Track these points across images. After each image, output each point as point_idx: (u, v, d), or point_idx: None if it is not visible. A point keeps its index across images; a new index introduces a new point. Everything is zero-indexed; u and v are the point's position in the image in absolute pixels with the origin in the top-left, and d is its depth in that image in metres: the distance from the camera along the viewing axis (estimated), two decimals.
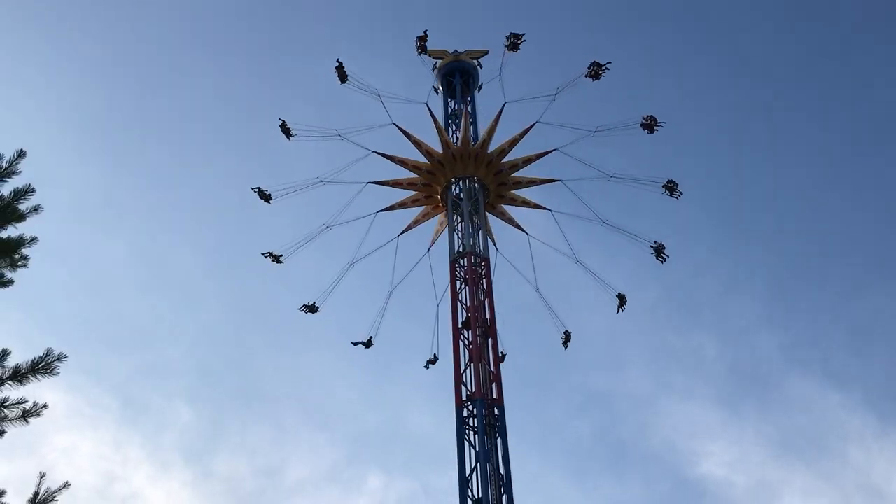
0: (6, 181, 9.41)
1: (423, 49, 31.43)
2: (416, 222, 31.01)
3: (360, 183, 30.47)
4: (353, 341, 30.07)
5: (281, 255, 30.43)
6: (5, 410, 10.34)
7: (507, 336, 29.26)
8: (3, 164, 9.28)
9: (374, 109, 30.71)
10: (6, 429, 10.67)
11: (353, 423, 61.27)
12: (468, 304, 27.04)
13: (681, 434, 60.76)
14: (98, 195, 66.07)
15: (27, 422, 10.64)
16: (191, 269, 66.32)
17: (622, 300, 30.03)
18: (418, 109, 30.73)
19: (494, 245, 30.30)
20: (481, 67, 33.64)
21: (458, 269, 28.15)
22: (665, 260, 29.81)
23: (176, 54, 69.26)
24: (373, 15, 69.23)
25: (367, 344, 30.13)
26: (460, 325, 26.65)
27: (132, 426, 59.85)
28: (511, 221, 30.87)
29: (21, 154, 9.33)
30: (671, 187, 29.61)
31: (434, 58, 33.63)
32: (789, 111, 69.73)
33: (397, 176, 30.73)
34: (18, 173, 9.36)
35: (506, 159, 30.08)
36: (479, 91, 33.32)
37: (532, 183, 30.70)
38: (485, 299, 27.40)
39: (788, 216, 67.62)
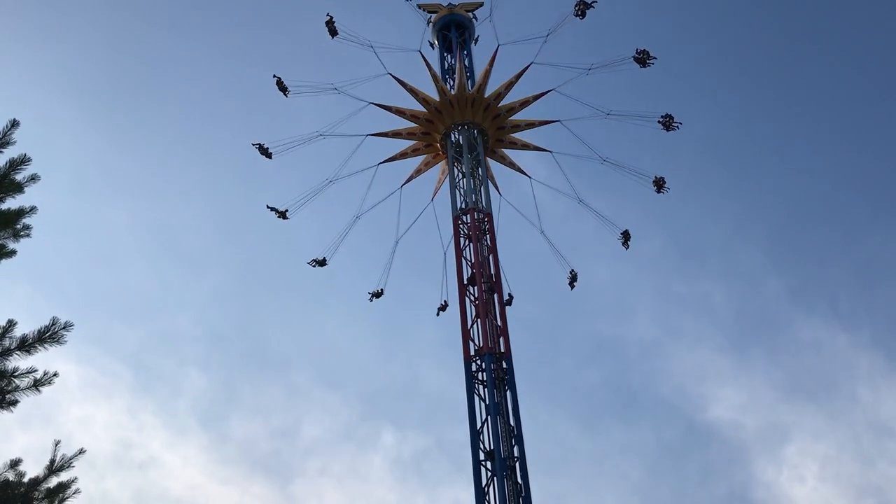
0: (1, 152, 9.36)
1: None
2: (418, 172, 31.08)
3: (360, 136, 30.50)
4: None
5: (287, 210, 30.33)
6: (16, 380, 10.41)
7: (514, 285, 29.69)
8: None
9: (367, 63, 30.55)
10: (19, 398, 10.77)
11: (366, 380, 61.98)
12: (473, 260, 27.07)
13: (690, 380, 61.34)
14: (98, 164, 65.99)
15: (39, 391, 10.73)
16: (195, 235, 66.54)
17: (626, 236, 30.19)
18: (412, 59, 30.65)
19: (498, 191, 30.59)
20: (476, 20, 33.18)
21: (461, 225, 28.13)
22: (666, 191, 29.85)
23: (171, 18, 68.58)
24: None
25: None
26: (466, 281, 26.75)
27: (146, 394, 60.54)
28: (512, 165, 30.97)
29: (14, 124, 9.26)
30: (667, 122, 29.49)
31: (428, 11, 33.18)
32: (791, 52, 68.86)
33: (396, 127, 30.68)
34: (13, 143, 9.30)
35: (503, 103, 30.04)
36: (475, 44, 32.93)
37: (530, 125, 30.66)
38: (489, 255, 27.42)
39: (791, 157, 67.22)
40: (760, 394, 60.13)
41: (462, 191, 28.86)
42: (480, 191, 28.87)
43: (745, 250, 65.96)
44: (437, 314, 30.11)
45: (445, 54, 32.78)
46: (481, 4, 33.33)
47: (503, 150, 30.78)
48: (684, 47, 67.66)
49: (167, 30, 68.48)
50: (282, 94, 29.81)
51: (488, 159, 30.42)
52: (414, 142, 30.66)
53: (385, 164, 30.81)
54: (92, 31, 67.58)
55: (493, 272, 27.03)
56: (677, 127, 29.48)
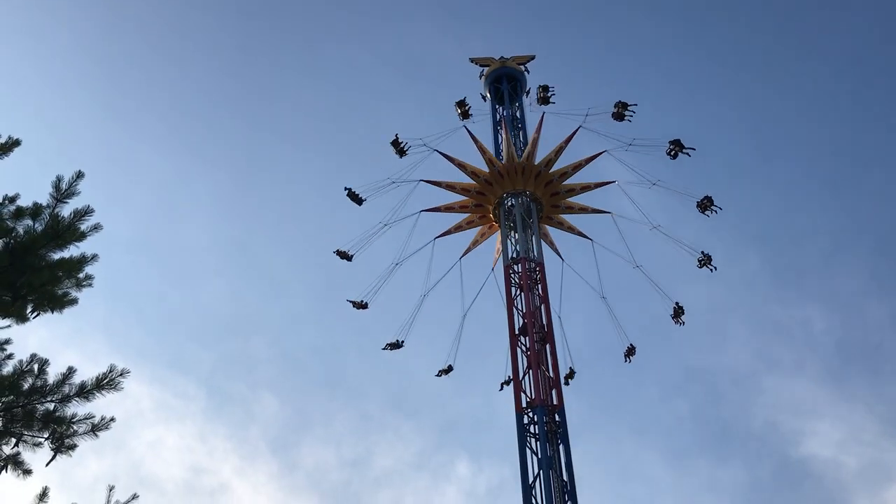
0: (66, 202, 9.73)
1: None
2: (476, 243, 30.80)
3: (414, 214, 30.48)
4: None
5: (365, 302, 30.43)
6: (75, 426, 10.62)
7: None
8: (63, 185, 9.62)
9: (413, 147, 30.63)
10: (78, 442, 10.97)
11: (441, 409, 60.61)
12: (524, 310, 26.85)
13: (785, 412, 58.11)
14: (179, 180, 67.67)
15: (96, 435, 10.91)
16: (274, 255, 66.72)
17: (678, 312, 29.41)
18: (458, 135, 30.64)
19: (560, 256, 30.21)
20: (528, 73, 33.53)
21: (512, 274, 28.00)
22: (713, 269, 28.83)
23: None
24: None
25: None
26: (517, 332, 26.49)
27: (218, 417, 60.76)
28: (571, 230, 30.38)
29: (79, 175, 9.66)
30: (705, 205, 28.61)
31: (480, 65, 33.72)
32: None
33: (448, 201, 30.55)
34: (78, 194, 9.69)
35: (554, 168, 29.59)
36: (527, 96, 33.18)
37: (586, 188, 30.07)
38: (541, 304, 27.16)
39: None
40: (862, 428, 56.56)
41: (513, 241, 28.81)
42: (532, 240, 28.76)
43: (845, 271, 62.35)
44: (501, 388, 27.80)
45: (497, 106, 33.11)
46: (533, 57, 33.76)
47: (560, 216, 30.28)
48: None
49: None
50: (356, 204, 30.18)
51: (546, 226, 30.11)
52: (467, 214, 30.53)
53: (442, 238, 30.68)
54: (183, 54, 69.74)
55: (545, 322, 26.74)
56: (714, 212, 28.59)
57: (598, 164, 30.05)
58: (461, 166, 29.88)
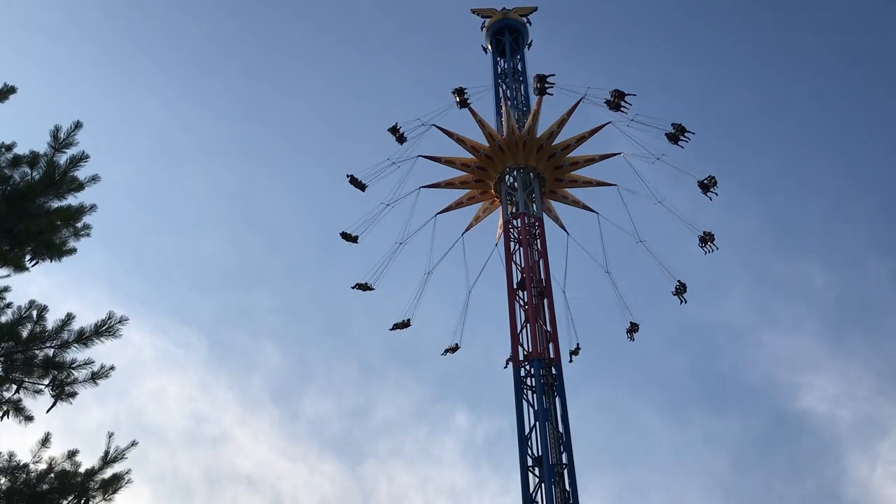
0: (64, 153, 9.67)
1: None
2: (478, 219, 30.28)
3: (414, 191, 29.82)
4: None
5: (371, 284, 29.85)
6: (75, 372, 10.71)
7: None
8: (62, 135, 9.54)
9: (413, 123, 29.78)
10: (78, 390, 11.08)
11: (441, 360, 60.50)
12: (523, 265, 26.94)
13: (782, 367, 58.37)
14: (179, 133, 67.10)
15: (96, 383, 11.00)
16: (275, 207, 66.18)
17: (681, 290, 28.48)
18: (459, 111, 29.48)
19: (564, 230, 29.83)
20: (531, 24, 33.01)
21: (511, 229, 28.01)
22: (714, 250, 27.74)
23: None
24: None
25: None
26: (515, 286, 26.61)
27: (220, 367, 61.01)
28: (576, 203, 29.80)
29: (78, 125, 9.58)
30: (706, 185, 27.37)
31: (482, 16, 33.14)
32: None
33: (449, 176, 29.91)
34: (76, 144, 9.61)
35: (556, 141, 28.81)
36: (529, 48, 32.72)
37: (591, 161, 29.24)
38: (539, 259, 27.24)
39: None
40: (857, 384, 56.72)
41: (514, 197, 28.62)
42: (532, 197, 28.62)
43: (846, 229, 62.13)
44: (505, 366, 26.61)
45: (499, 59, 32.67)
46: (536, 9, 33.20)
47: (564, 189, 29.61)
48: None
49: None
50: (360, 190, 29.56)
51: (550, 201, 29.53)
52: (468, 190, 29.91)
53: (443, 214, 30.16)
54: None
55: (542, 277, 26.85)
56: (716, 194, 27.38)
57: (601, 137, 29.20)
58: (460, 141, 29.10)
